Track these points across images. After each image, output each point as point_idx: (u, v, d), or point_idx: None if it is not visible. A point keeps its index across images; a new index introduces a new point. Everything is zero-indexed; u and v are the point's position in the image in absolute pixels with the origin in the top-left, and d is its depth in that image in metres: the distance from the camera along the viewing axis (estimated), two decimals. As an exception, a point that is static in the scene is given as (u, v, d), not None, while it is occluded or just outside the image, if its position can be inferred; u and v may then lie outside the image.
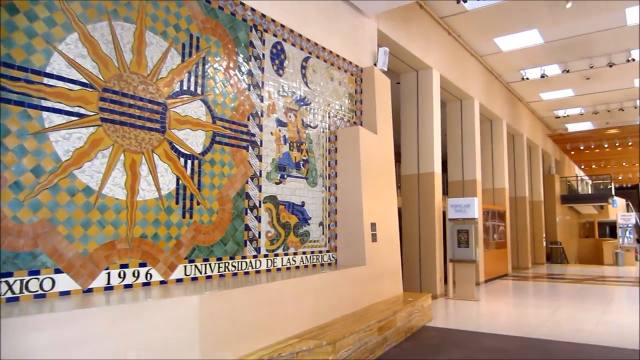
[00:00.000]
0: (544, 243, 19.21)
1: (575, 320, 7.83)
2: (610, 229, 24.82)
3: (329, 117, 6.90)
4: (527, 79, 14.23)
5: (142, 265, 4.19)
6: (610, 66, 12.78)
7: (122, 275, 4.02)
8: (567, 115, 18.61)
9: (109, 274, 3.93)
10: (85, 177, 3.81)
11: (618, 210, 25.29)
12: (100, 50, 3.98)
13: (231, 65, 5.31)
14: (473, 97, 12.49)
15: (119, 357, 3.12)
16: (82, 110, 3.82)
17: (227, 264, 5.04)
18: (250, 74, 5.56)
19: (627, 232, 20.68)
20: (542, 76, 13.64)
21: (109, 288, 3.91)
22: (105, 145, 3.96)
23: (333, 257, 6.68)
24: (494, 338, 6.40)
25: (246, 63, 5.52)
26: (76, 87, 3.79)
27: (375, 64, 7.95)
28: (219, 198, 5.01)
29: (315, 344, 4.47)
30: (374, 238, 6.83)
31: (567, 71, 13.51)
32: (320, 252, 6.46)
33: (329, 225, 6.68)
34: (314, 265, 6.32)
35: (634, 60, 12.47)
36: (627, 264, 19.28)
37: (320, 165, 6.62)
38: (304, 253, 6.18)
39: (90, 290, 3.79)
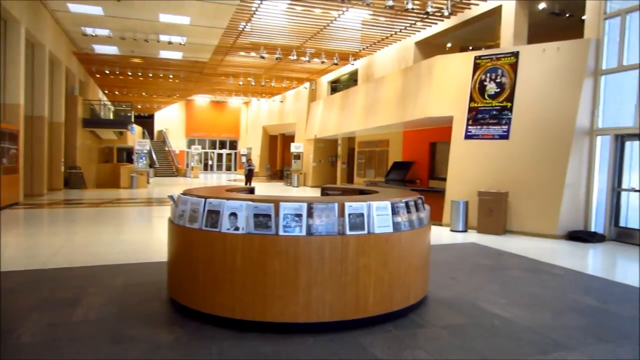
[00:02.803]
0: (63, 168, 18.41)
1: (92, 243, 7.80)
2: (128, 154, 26.48)
3: None
4: (54, -17, 12.63)
5: None
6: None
7: None
8: (96, 35, 17.99)
9: None
10: None
11: (135, 137, 27.28)
12: None
13: None
14: (-19, -15, 9.95)
15: None
16: None
17: None
18: None
19: (141, 157, 22.66)
20: (71, -15, 12.42)
21: None
22: None
23: None
24: (-3, 278, 5.44)
25: None
26: None
27: None
28: None
29: None
30: None
31: (98, -13, 12.84)
32: None
33: None
34: None
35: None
36: (140, 186, 21.23)
37: None
38: None
39: None
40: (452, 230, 10.03)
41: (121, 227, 9.83)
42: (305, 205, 3.84)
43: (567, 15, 12.86)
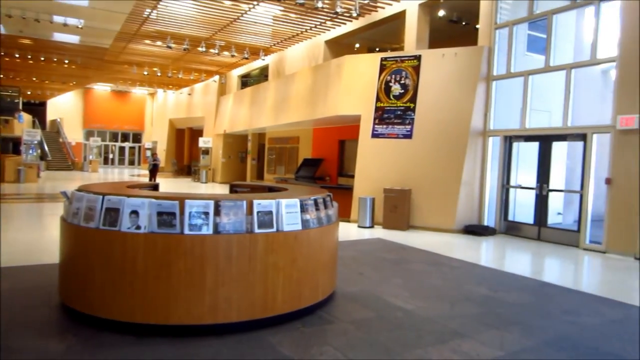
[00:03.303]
0: None
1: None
2: (14, 145, 24.00)
3: None
4: None
5: None
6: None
7: None
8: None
9: None
10: None
11: (24, 126, 24.81)
12: None
13: None
14: None
15: None
16: None
17: None
18: None
19: (31, 149, 20.67)
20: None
21: None
22: None
23: None
24: None
25: None
26: None
27: None
28: None
29: None
30: None
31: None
32: None
33: None
34: None
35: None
36: (28, 180, 19.36)
37: None
38: None
39: None
40: (359, 226, 10.33)
41: (5, 226, 8.88)
42: (212, 202, 3.72)
43: (464, 23, 13.78)
